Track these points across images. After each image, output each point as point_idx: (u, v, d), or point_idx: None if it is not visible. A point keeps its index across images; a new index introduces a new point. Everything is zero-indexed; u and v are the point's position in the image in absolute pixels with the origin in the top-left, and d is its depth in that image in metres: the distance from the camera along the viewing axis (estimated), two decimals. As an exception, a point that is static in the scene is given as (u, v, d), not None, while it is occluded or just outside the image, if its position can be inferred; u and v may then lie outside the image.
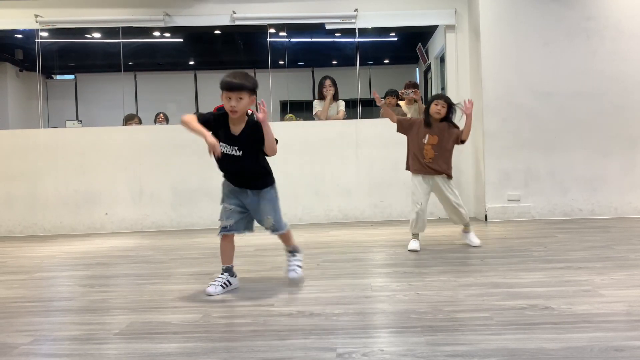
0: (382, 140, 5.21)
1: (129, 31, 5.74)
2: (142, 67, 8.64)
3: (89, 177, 5.17)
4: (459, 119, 3.65)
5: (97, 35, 6.92)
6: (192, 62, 9.52)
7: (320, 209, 5.23)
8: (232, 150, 2.53)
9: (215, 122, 2.53)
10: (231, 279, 2.63)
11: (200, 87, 9.21)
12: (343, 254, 3.52)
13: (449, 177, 3.54)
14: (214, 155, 2.45)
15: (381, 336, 1.93)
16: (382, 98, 3.55)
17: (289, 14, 5.44)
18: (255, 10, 5.40)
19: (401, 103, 5.80)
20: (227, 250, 2.65)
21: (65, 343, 1.95)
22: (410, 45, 8.35)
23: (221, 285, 2.57)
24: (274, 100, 5.75)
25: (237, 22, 5.41)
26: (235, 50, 8.81)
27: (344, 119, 5.33)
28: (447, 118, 3.56)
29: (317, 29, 6.02)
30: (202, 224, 5.13)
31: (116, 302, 2.51)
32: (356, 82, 5.85)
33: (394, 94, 5.81)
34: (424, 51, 7.98)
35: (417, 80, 8.72)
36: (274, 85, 5.64)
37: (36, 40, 5.53)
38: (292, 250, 2.78)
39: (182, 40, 8.00)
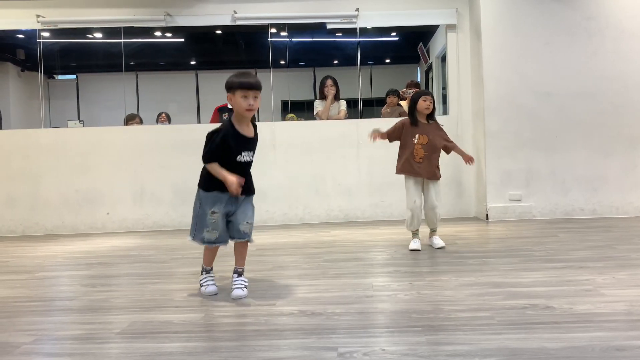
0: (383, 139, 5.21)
1: (130, 31, 5.75)
2: (143, 67, 8.65)
3: (90, 176, 5.18)
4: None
5: (98, 35, 6.93)
6: (193, 62, 9.53)
7: (321, 209, 5.24)
8: (249, 156, 2.52)
9: (227, 134, 2.49)
10: (213, 274, 2.64)
11: (201, 87, 9.22)
12: (344, 254, 3.52)
13: (438, 178, 3.55)
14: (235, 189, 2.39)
15: (382, 336, 1.93)
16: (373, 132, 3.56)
17: (290, 13, 5.44)
18: (257, 10, 5.40)
19: (402, 103, 5.80)
20: (214, 254, 2.61)
21: (67, 342, 1.96)
22: (411, 44, 8.35)
23: (214, 283, 2.57)
24: (275, 100, 5.74)
25: (238, 22, 5.42)
26: (236, 50, 8.82)
27: (345, 118, 5.33)
28: (432, 115, 3.57)
29: (318, 28, 6.02)
30: (203, 224, 5.13)
31: (118, 301, 2.52)
32: (357, 81, 5.85)
33: (395, 93, 5.82)
34: (425, 51, 7.98)
35: (419, 79, 8.73)
36: (275, 85, 5.65)
37: (38, 40, 5.53)
38: (242, 272, 2.58)
39: (183, 40, 8.01)
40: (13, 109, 8.23)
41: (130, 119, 5.95)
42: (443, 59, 6.59)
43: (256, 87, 2.46)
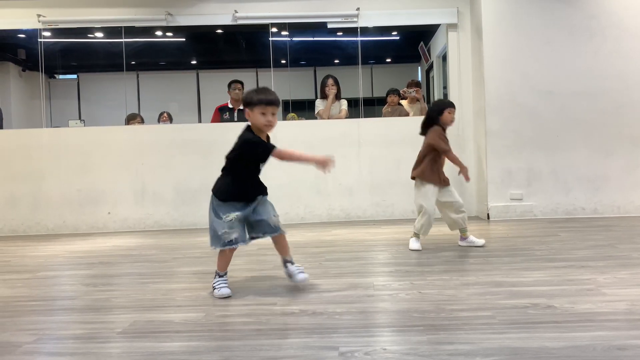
0: (384, 139, 5.22)
1: (131, 31, 5.75)
2: (144, 67, 8.65)
3: (91, 176, 5.18)
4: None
5: (99, 34, 6.94)
6: (194, 62, 9.53)
7: (322, 208, 5.24)
8: (263, 165, 2.61)
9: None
10: (227, 277, 2.65)
11: (202, 86, 9.22)
12: (345, 253, 3.52)
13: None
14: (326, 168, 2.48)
15: (383, 335, 1.93)
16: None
17: (291, 13, 5.44)
18: (258, 9, 5.40)
19: (403, 102, 5.80)
20: (229, 257, 2.60)
21: (69, 342, 1.96)
22: (412, 44, 8.35)
23: (227, 286, 2.57)
24: (276, 100, 5.74)
25: (239, 22, 5.42)
26: (237, 50, 8.82)
27: (346, 118, 5.34)
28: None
29: (319, 28, 6.01)
30: (204, 223, 5.08)
31: (119, 301, 2.52)
32: (358, 81, 5.85)
33: (395, 92, 5.81)
34: (426, 50, 7.98)
35: (419, 79, 8.72)
36: (276, 85, 5.65)
37: (39, 40, 5.54)
38: (290, 260, 2.65)
39: (184, 39, 8.01)
40: (14, 108, 8.23)
41: (132, 119, 5.95)
42: (444, 58, 6.59)
43: (274, 103, 2.50)
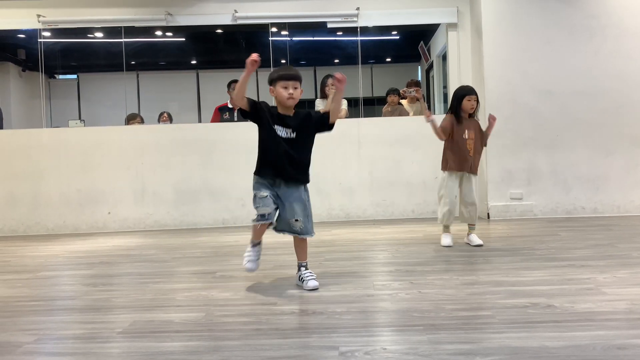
0: (384, 139, 5.21)
1: (131, 31, 5.75)
2: (144, 67, 8.64)
3: (91, 176, 5.18)
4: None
5: (99, 34, 6.93)
6: (194, 62, 9.52)
7: (323, 208, 5.23)
8: (286, 133, 2.59)
9: (266, 108, 2.62)
10: (260, 250, 2.70)
11: (202, 86, 9.21)
12: (345, 253, 3.52)
13: (476, 173, 3.58)
14: (252, 64, 2.44)
15: (384, 334, 1.93)
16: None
17: (290, 12, 5.44)
18: (257, 9, 5.40)
19: (403, 102, 5.80)
20: (262, 230, 2.64)
21: (69, 342, 1.96)
22: (412, 43, 8.34)
23: (257, 259, 2.64)
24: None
25: (239, 21, 5.42)
26: (237, 50, 8.81)
27: (346, 117, 5.33)
28: (475, 112, 3.57)
29: (319, 27, 6.02)
30: (204, 223, 5.14)
31: (119, 301, 2.52)
32: (358, 81, 5.85)
33: (395, 92, 5.81)
34: (426, 49, 7.97)
35: (419, 78, 8.72)
36: (276, 84, 5.64)
37: (38, 40, 5.54)
38: (306, 266, 2.68)
39: (184, 39, 8.01)
40: (14, 108, 8.22)
41: (131, 119, 5.95)
42: (444, 57, 6.58)
43: (295, 77, 2.59)
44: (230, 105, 5.53)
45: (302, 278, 2.61)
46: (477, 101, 3.54)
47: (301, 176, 2.63)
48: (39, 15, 5.30)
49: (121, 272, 3.27)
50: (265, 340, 1.87)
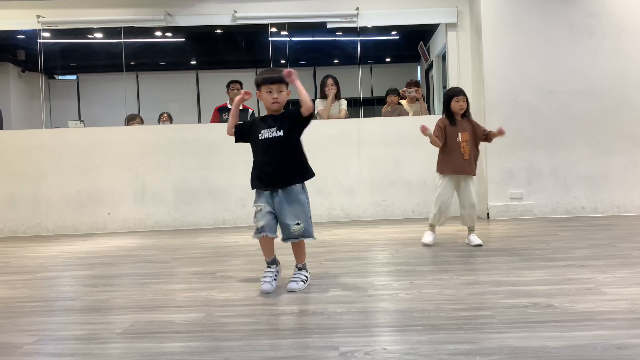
0: (384, 139, 5.21)
1: (130, 31, 5.75)
2: (144, 67, 8.64)
3: (91, 177, 5.18)
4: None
5: (99, 35, 6.93)
6: (194, 62, 9.52)
7: (323, 208, 5.23)
8: (272, 133, 2.57)
9: (251, 122, 2.68)
10: (278, 268, 2.69)
11: (202, 86, 9.21)
12: (345, 253, 3.52)
13: (474, 174, 3.57)
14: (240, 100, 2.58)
15: (384, 335, 1.93)
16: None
17: (290, 13, 5.44)
18: (257, 9, 5.40)
19: (403, 102, 5.80)
20: (267, 245, 2.64)
21: (69, 342, 1.96)
22: (411, 43, 8.34)
23: (274, 279, 2.61)
24: (275, 100, 5.74)
25: (239, 22, 5.42)
26: (236, 50, 8.81)
27: (345, 117, 5.33)
28: (466, 112, 3.55)
29: (319, 28, 6.01)
30: (204, 224, 5.14)
31: (119, 301, 2.52)
32: (358, 81, 5.85)
33: (395, 92, 5.81)
34: (425, 49, 7.97)
35: (419, 78, 8.72)
36: (275, 85, 5.64)
37: (38, 40, 5.54)
38: (302, 268, 2.70)
39: (183, 40, 8.00)
40: (14, 109, 8.22)
41: (131, 119, 5.94)
42: (443, 57, 6.58)
43: (279, 80, 2.57)
44: (229, 106, 5.53)
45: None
46: (467, 101, 3.55)
47: (296, 175, 2.61)
48: (38, 16, 5.29)
49: (121, 272, 3.27)
50: (265, 340, 1.87)
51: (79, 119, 8.14)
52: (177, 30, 6.86)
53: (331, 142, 5.24)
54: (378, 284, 2.63)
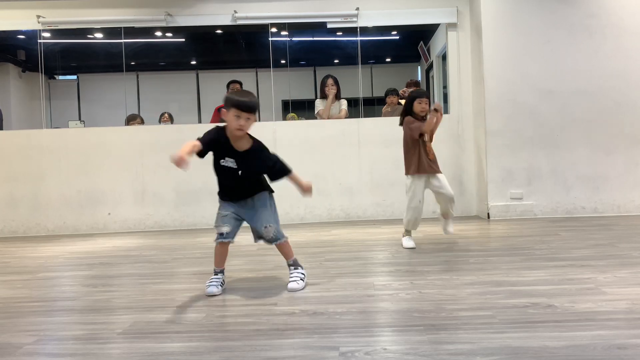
0: (384, 139, 5.21)
1: (130, 31, 5.74)
2: (144, 67, 8.65)
3: (91, 177, 5.18)
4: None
5: (99, 35, 6.93)
6: (194, 62, 9.53)
7: (323, 208, 5.24)
8: (233, 164, 2.56)
9: (217, 138, 2.59)
10: (224, 278, 2.67)
11: (202, 86, 9.22)
12: (345, 253, 3.52)
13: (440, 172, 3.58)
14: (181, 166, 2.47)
15: (384, 335, 1.93)
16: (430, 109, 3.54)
17: (290, 13, 5.44)
18: (257, 9, 5.40)
19: (403, 102, 5.80)
20: (223, 254, 2.66)
21: (69, 343, 1.96)
22: (412, 43, 8.35)
23: (220, 284, 2.60)
24: (275, 100, 5.74)
25: (239, 22, 5.41)
26: (237, 50, 8.82)
27: (346, 117, 5.33)
28: (426, 116, 3.59)
29: (319, 28, 6.01)
30: (204, 224, 5.13)
31: (119, 301, 2.52)
32: (358, 81, 5.85)
33: (394, 92, 5.81)
34: (425, 49, 7.97)
35: (419, 78, 8.72)
36: (275, 85, 5.65)
37: (38, 40, 5.54)
38: (294, 264, 2.70)
39: (184, 40, 8.01)
40: (14, 109, 8.23)
41: (131, 119, 5.94)
42: (444, 57, 6.58)
43: (250, 109, 2.48)
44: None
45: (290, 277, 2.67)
46: (429, 104, 3.57)
47: (261, 186, 2.66)
48: (38, 16, 5.29)
49: (121, 272, 3.27)
50: (265, 340, 1.87)
51: (79, 119, 8.15)
52: (177, 31, 6.87)
53: (331, 142, 5.24)
54: (378, 284, 2.63)
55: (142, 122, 6.04)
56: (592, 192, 4.93)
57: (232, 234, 2.61)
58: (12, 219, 5.17)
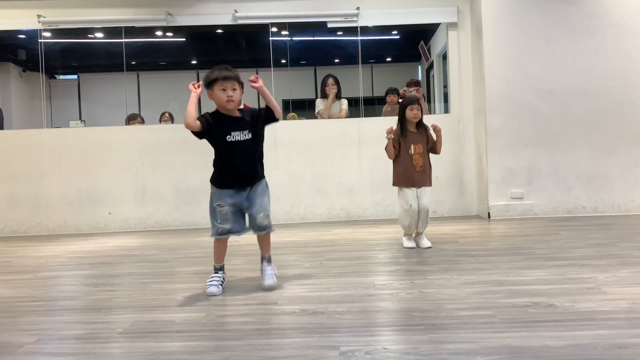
0: (384, 138, 5.19)
1: (131, 31, 5.75)
2: (144, 67, 8.64)
3: (92, 176, 5.19)
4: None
5: (99, 35, 6.93)
6: (194, 62, 9.52)
7: (323, 208, 5.24)
8: (243, 135, 2.54)
9: (213, 118, 2.57)
10: (225, 275, 2.68)
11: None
12: (346, 253, 3.52)
13: (431, 185, 3.58)
14: (196, 90, 2.52)
15: (384, 334, 1.93)
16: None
17: (291, 12, 5.43)
18: (257, 9, 5.40)
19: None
20: (222, 249, 2.67)
21: (70, 342, 1.96)
22: (412, 43, 8.33)
23: (221, 284, 2.60)
24: (276, 99, 5.71)
25: (239, 21, 5.42)
26: (237, 49, 8.81)
27: (346, 117, 5.33)
28: (421, 122, 3.58)
29: (319, 27, 6.01)
30: (205, 223, 5.11)
31: (120, 301, 2.52)
32: (358, 80, 5.85)
33: (394, 92, 5.81)
34: (426, 49, 7.97)
35: (420, 78, 8.72)
36: (276, 84, 5.64)
37: (39, 40, 5.54)
38: (269, 259, 2.71)
39: (184, 39, 8.01)
40: (15, 109, 8.22)
41: (132, 119, 5.94)
42: (444, 57, 6.58)
43: (232, 78, 2.50)
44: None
45: (262, 273, 2.66)
46: (421, 110, 3.56)
47: (260, 172, 2.65)
48: (39, 16, 5.30)
49: (122, 272, 3.27)
50: (265, 340, 1.87)
51: (80, 118, 8.14)
52: (177, 30, 6.87)
53: (332, 141, 5.24)
54: (379, 283, 2.63)
55: (142, 121, 6.04)
56: (592, 192, 4.93)
57: (235, 228, 2.59)
58: (13, 219, 5.17)
